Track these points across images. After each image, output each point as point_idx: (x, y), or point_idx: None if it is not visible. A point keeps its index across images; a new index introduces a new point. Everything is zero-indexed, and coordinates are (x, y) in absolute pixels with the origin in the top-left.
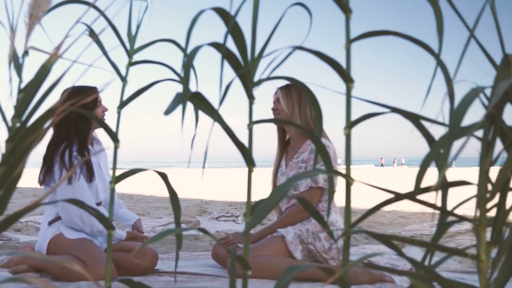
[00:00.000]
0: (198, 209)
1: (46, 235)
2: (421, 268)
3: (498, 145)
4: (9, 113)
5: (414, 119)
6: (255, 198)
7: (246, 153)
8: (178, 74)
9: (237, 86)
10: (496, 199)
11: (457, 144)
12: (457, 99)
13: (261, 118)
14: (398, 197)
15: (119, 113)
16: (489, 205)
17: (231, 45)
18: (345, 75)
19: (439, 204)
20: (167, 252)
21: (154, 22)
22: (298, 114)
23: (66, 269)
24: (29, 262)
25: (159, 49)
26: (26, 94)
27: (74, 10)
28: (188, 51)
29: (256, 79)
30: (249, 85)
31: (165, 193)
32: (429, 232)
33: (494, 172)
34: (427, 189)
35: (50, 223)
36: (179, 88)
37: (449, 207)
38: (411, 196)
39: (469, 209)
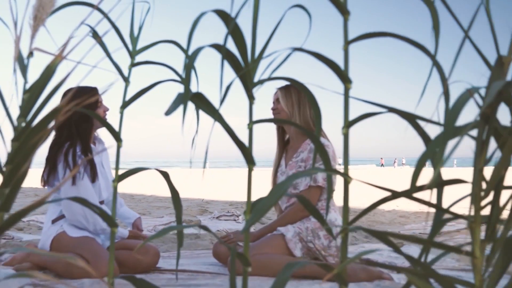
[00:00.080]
0: (199, 208)
1: (49, 233)
2: (418, 264)
3: (492, 144)
4: (15, 113)
5: (411, 118)
6: (255, 197)
7: (246, 152)
8: (179, 75)
9: (238, 87)
10: (490, 197)
11: (456, 143)
12: (453, 100)
13: (261, 118)
14: (395, 195)
15: (121, 113)
16: (483, 203)
17: (231, 46)
18: (343, 75)
19: (435, 203)
20: (168, 250)
21: (155, 23)
22: (297, 114)
23: (69, 267)
24: (32, 260)
25: (161, 50)
26: (31, 94)
27: (77, 11)
28: (190, 52)
29: (256, 79)
30: (249, 86)
31: (166, 193)
32: (428, 231)
33: (491, 172)
34: (423, 187)
35: (54, 221)
36: (180, 88)
37: (446, 206)
38: (407, 194)
39: (466, 208)
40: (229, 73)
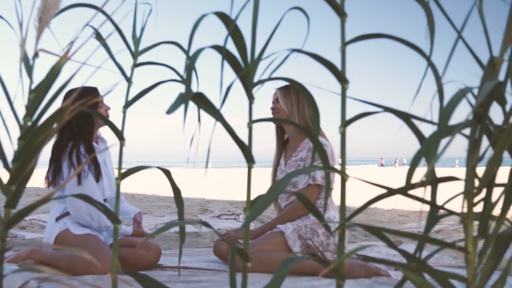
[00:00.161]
0: (200, 207)
1: (52, 231)
2: (413, 260)
3: (485, 142)
4: (21, 112)
5: (405, 118)
6: (255, 195)
7: (246, 150)
8: (180, 76)
9: (238, 87)
10: (482, 194)
11: (448, 141)
12: (447, 99)
13: (260, 117)
14: (391, 192)
15: (124, 112)
16: (476, 199)
17: (232, 47)
18: (340, 76)
19: (430, 200)
20: (169, 248)
21: (157, 23)
22: (296, 113)
23: (72, 264)
24: (36, 257)
25: (163, 50)
26: (37, 94)
27: (81, 12)
28: (191, 52)
29: (255, 80)
30: (249, 86)
31: (167, 192)
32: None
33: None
34: (418, 184)
35: (58, 219)
36: (181, 88)
37: (441, 204)
38: (402, 191)
39: (460, 206)
40: (229, 74)
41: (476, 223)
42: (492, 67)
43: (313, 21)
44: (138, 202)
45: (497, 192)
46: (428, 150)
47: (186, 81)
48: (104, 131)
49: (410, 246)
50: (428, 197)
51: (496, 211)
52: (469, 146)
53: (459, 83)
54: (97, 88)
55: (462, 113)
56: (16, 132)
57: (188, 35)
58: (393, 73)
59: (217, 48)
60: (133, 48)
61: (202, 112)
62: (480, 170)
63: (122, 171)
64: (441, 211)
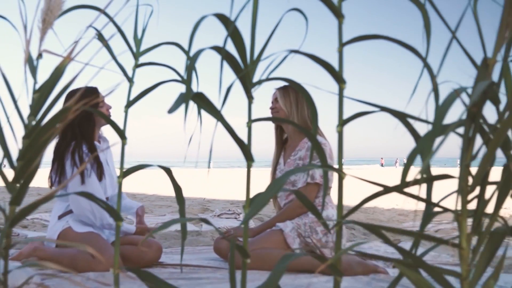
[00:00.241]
0: (200, 207)
1: (55, 229)
2: (409, 256)
3: (479, 141)
4: (25, 111)
5: (401, 117)
6: (255, 194)
7: (245, 149)
8: (181, 76)
9: (238, 88)
10: (476, 192)
11: (442, 139)
12: (442, 99)
13: (259, 117)
14: (387, 190)
15: (126, 112)
16: (469, 197)
17: (231, 48)
18: (338, 76)
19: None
20: (170, 246)
21: (158, 24)
22: (295, 113)
23: (74, 261)
24: (39, 254)
25: (163, 50)
26: (41, 94)
27: (83, 13)
28: (191, 53)
29: (255, 80)
30: (248, 86)
31: (168, 192)
32: (426, 229)
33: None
34: (414, 182)
35: (60, 217)
36: (182, 88)
37: (436, 201)
38: (398, 189)
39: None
40: (229, 73)
41: (470, 220)
42: (485, 67)
43: (312, 22)
44: (139, 201)
45: (490, 190)
46: (423, 148)
47: (187, 81)
48: (106, 131)
49: (408, 245)
50: (424, 195)
51: (490, 209)
52: (463, 145)
53: (454, 83)
54: (97, 88)
55: (457, 112)
56: (20, 131)
57: (188, 35)
58: (394, 73)
59: (217, 49)
60: (134, 49)
61: (203, 112)
62: (474, 170)
63: (124, 169)
64: (437, 209)
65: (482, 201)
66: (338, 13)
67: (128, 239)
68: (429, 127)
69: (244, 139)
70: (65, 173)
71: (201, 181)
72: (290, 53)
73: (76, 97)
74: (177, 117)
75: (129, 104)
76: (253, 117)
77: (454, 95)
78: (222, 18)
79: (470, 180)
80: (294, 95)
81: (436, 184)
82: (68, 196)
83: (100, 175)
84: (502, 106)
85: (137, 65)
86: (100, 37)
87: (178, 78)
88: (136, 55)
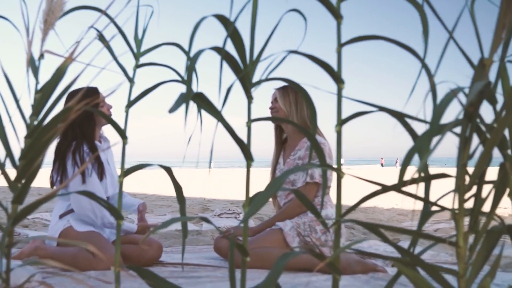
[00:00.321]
0: (201, 207)
1: (56, 228)
2: (407, 254)
3: (475, 141)
4: (27, 111)
5: (399, 116)
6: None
7: (245, 148)
8: (181, 76)
9: (238, 88)
10: (473, 191)
11: (439, 138)
12: (440, 99)
13: (259, 117)
14: (385, 188)
15: (127, 112)
16: (466, 195)
17: (231, 48)
18: (336, 76)
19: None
20: (170, 246)
21: (158, 24)
22: (295, 112)
23: (75, 260)
24: (40, 253)
25: (164, 50)
26: (43, 94)
27: (85, 14)
28: (191, 53)
29: (254, 80)
30: (247, 86)
31: (168, 192)
32: (424, 228)
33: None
34: (412, 181)
35: (61, 216)
36: (182, 89)
37: (434, 201)
38: (396, 188)
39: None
40: (228, 74)
41: (467, 219)
42: (482, 67)
43: (311, 21)
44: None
45: (487, 189)
46: (421, 147)
47: (187, 82)
48: (107, 131)
49: (407, 244)
50: (416, 192)
51: (487, 208)
52: (460, 144)
53: (452, 83)
54: (97, 88)
55: (454, 112)
56: (22, 131)
57: (188, 35)
58: (394, 73)
59: (216, 49)
60: (135, 49)
61: (203, 112)
62: (471, 170)
63: (125, 169)
64: (435, 208)
65: (479, 200)
66: (336, 14)
67: (128, 238)
68: (427, 126)
69: (244, 138)
70: (66, 173)
71: (202, 181)
72: (289, 53)
73: (78, 97)
74: (177, 117)
75: (130, 104)
76: (252, 117)
77: (451, 95)
78: (221, 19)
79: (467, 179)
80: (293, 95)
81: (436, 184)
82: (69, 196)
83: (101, 174)
84: (499, 106)
85: (137, 66)
86: (101, 38)
87: (178, 78)
88: (137, 56)
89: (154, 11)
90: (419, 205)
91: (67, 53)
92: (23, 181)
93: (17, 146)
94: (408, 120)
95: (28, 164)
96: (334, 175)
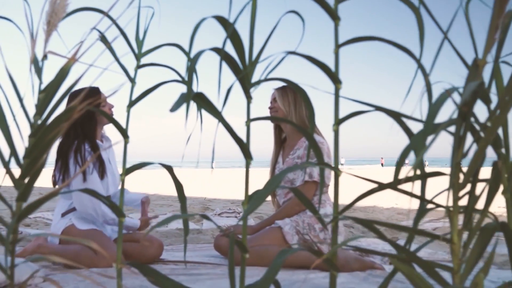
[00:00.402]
0: (201, 206)
1: (58, 226)
2: (403, 251)
3: (469, 140)
4: (31, 111)
5: (395, 116)
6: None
7: (244, 147)
8: (182, 76)
9: (238, 88)
10: (467, 188)
11: (433, 137)
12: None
13: (258, 116)
14: (381, 186)
15: (128, 111)
16: (461, 193)
17: (230, 49)
18: (334, 76)
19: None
20: (171, 244)
21: (156, 23)
22: (294, 112)
23: (77, 258)
24: (42, 251)
25: (164, 50)
26: (47, 94)
27: (87, 15)
28: (192, 54)
29: (253, 81)
30: (247, 86)
31: (169, 192)
32: (423, 227)
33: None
34: (407, 179)
35: (63, 214)
36: (182, 89)
37: (430, 199)
38: (392, 186)
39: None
40: (228, 74)
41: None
42: (476, 68)
43: (310, 22)
44: None
45: (480, 187)
46: (416, 146)
47: (188, 82)
48: (109, 130)
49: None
50: (412, 190)
51: (481, 205)
52: (454, 143)
53: (446, 83)
54: (99, 88)
55: (450, 111)
56: (26, 130)
57: (189, 36)
58: (394, 73)
59: (216, 50)
60: (136, 50)
61: (204, 113)
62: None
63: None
64: (430, 206)
65: (473, 198)
66: (334, 16)
67: (129, 236)
68: (422, 125)
69: (243, 138)
70: (68, 172)
71: (202, 181)
72: (288, 54)
73: (81, 97)
74: (177, 117)
75: (131, 104)
76: (252, 117)
77: (446, 94)
78: (221, 20)
79: (462, 177)
80: (292, 95)
81: (434, 183)
82: (71, 194)
83: (102, 173)
84: (493, 106)
85: (139, 66)
86: (103, 39)
87: (179, 78)
88: (138, 56)
89: (155, 12)
90: (416, 203)
91: (70, 54)
92: (27, 179)
93: (21, 145)
94: (405, 119)
95: (32, 163)
96: (333, 174)
